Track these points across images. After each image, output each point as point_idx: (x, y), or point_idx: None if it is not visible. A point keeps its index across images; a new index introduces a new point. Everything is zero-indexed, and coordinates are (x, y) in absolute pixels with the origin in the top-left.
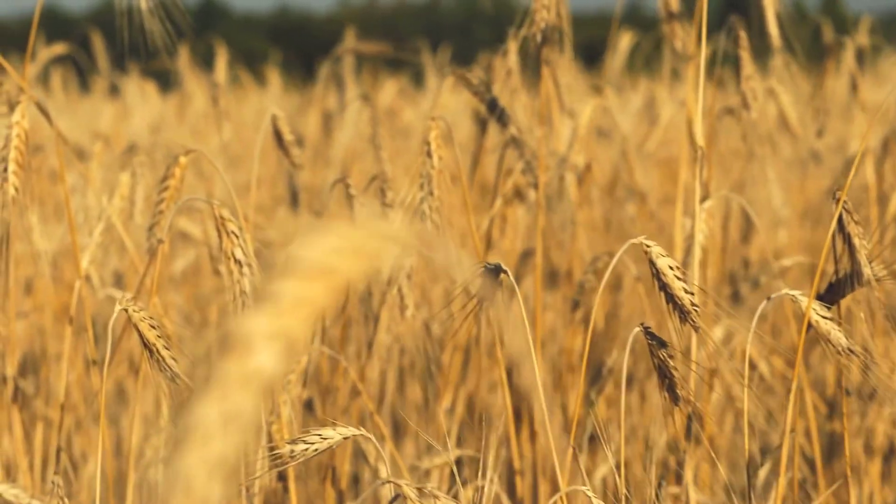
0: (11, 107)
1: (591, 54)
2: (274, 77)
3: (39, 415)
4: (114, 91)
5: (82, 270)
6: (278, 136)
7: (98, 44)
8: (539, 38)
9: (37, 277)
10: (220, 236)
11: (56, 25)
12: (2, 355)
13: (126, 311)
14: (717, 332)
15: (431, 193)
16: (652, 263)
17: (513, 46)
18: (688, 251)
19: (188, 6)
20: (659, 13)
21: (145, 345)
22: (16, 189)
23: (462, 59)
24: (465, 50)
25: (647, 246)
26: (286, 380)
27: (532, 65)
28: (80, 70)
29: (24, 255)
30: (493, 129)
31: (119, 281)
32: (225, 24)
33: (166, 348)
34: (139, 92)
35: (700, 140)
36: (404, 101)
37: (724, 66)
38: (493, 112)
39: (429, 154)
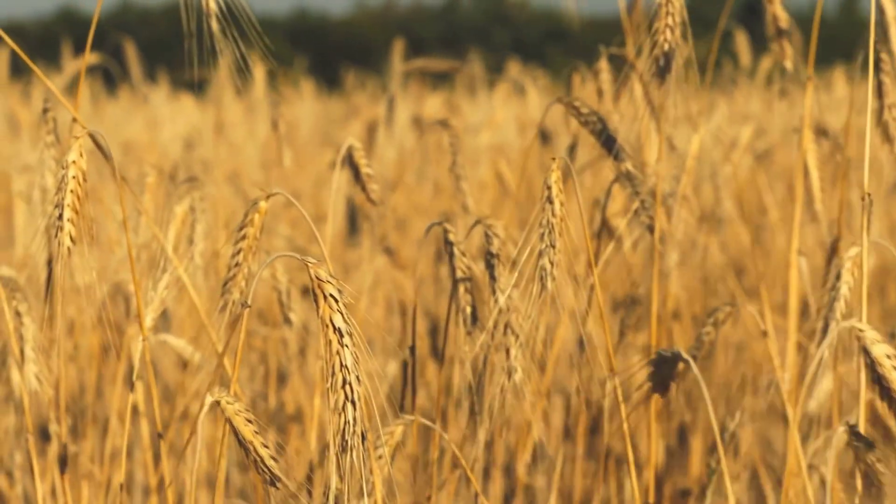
0: (58, 136)
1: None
2: (307, 84)
3: (84, 472)
4: (139, 95)
5: (146, 330)
6: (354, 168)
7: (131, 52)
8: (662, 62)
9: (80, 315)
10: (315, 300)
11: (75, 27)
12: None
13: (218, 403)
14: None
15: (553, 246)
16: (865, 351)
17: (605, 65)
18: (830, 305)
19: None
20: (767, 30)
21: (241, 442)
22: (72, 240)
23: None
24: (483, 53)
25: (860, 330)
26: (377, 454)
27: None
28: (108, 75)
29: (66, 289)
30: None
31: (168, 321)
32: (244, 27)
33: (265, 446)
34: (168, 101)
35: (866, 185)
36: (450, 112)
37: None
38: (605, 145)
39: (549, 200)
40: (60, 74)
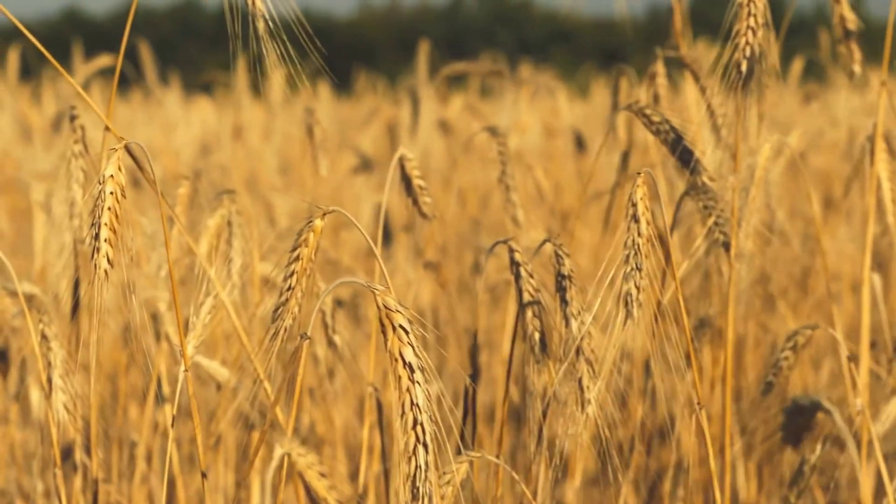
0: (86, 145)
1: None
2: (323, 86)
3: (112, 502)
4: (150, 96)
5: (188, 360)
6: (406, 180)
7: (145, 53)
8: (744, 66)
9: (104, 331)
10: (383, 331)
11: (80, 27)
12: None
13: (288, 456)
14: None
15: (639, 269)
16: None
17: (661, 69)
18: None
19: (209, 10)
20: (834, 32)
21: (313, 500)
22: (109, 262)
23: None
24: (489, 52)
25: None
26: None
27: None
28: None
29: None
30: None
31: (206, 345)
32: (249, 29)
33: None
34: (181, 103)
35: None
36: (472, 114)
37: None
38: (681, 157)
39: (635, 218)
40: (72, 76)
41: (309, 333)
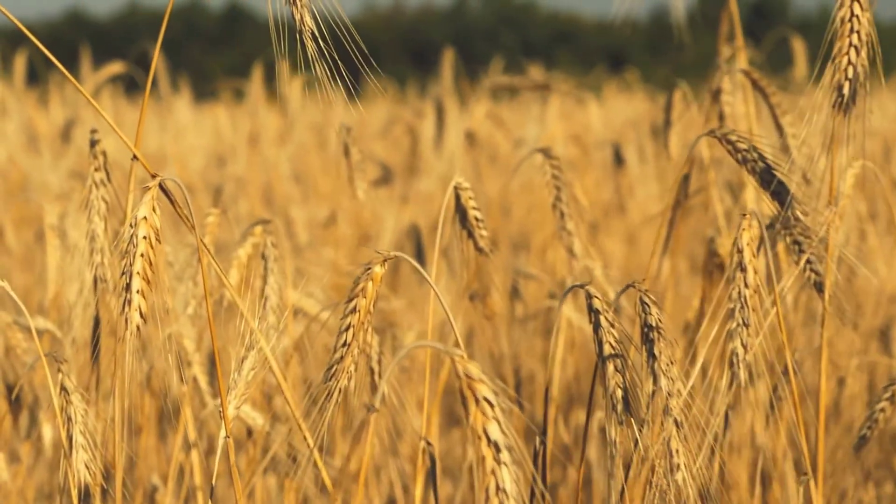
0: (108, 173)
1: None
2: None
3: None
4: (159, 101)
5: (229, 427)
6: (461, 211)
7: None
8: (847, 88)
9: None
10: (465, 403)
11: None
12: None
13: None
14: None
15: (746, 325)
16: None
17: (727, 85)
18: None
19: (212, 12)
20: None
21: None
22: (142, 316)
23: (488, 64)
24: (492, 56)
25: None
26: None
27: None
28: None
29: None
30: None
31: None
32: (252, 31)
33: None
34: (191, 109)
35: None
36: (495, 123)
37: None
38: (770, 189)
39: (741, 267)
40: (80, 82)
41: (377, 406)
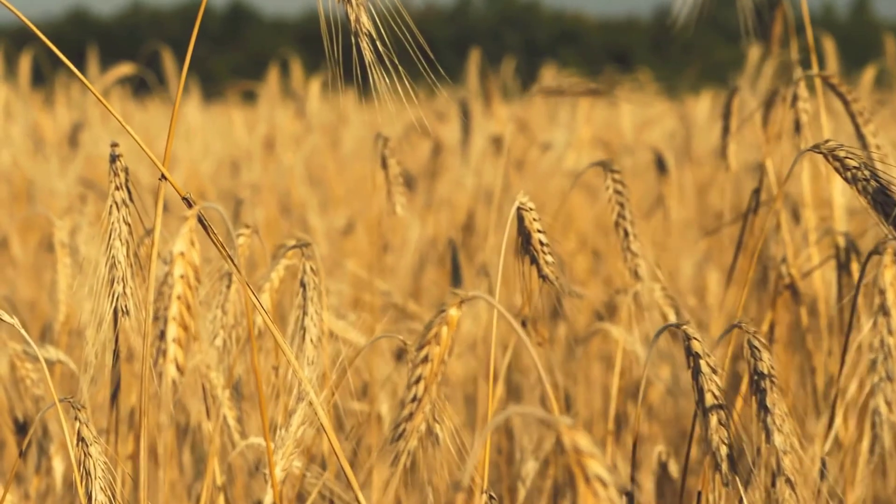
0: (131, 192)
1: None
2: (349, 93)
3: None
4: (168, 102)
5: (277, 493)
6: (525, 234)
7: (168, 60)
8: None
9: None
10: (572, 480)
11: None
12: None
13: None
14: None
15: (890, 378)
16: None
17: (803, 91)
18: None
19: (216, 11)
20: None
21: None
22: (179, 369)
23: (492, 65)
24: (495, 55)
25: None
26: None
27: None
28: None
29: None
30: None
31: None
32: (254, 29)
33: None
34: (201, 111)
35: None
36: (519, 128)
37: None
38: (884, 211)
39: (883, 311)
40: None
41: (466, 486)
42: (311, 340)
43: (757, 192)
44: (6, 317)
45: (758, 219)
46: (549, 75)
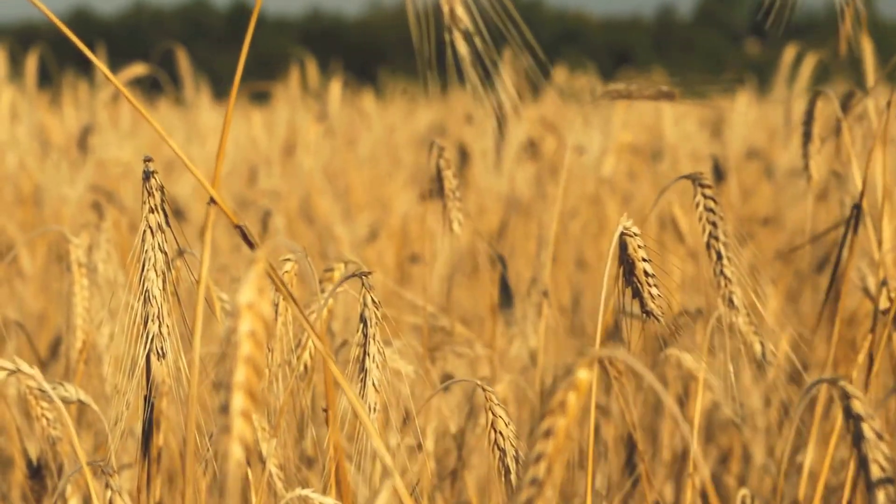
0: (168, 213)
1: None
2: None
3: None
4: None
5: None
6: (628, 262)
7: (183, 62)
8: None
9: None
10: None
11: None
12: None
13: None
14: None
15: None
16: None
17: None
18: None
19: (219, 10)
20: None
21: None
22: (247, 447)
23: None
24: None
25: None
26: None
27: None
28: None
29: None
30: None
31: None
32: (258, 29)
33: None
34: (211, 111)
35: None
36: (545, 129)
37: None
38: None
39: None
40: (95, 83)
41: None
42: (374, 385)
43: (858, 207)
44: (25, 366)
45: (857, 239)
46: (562, 75)
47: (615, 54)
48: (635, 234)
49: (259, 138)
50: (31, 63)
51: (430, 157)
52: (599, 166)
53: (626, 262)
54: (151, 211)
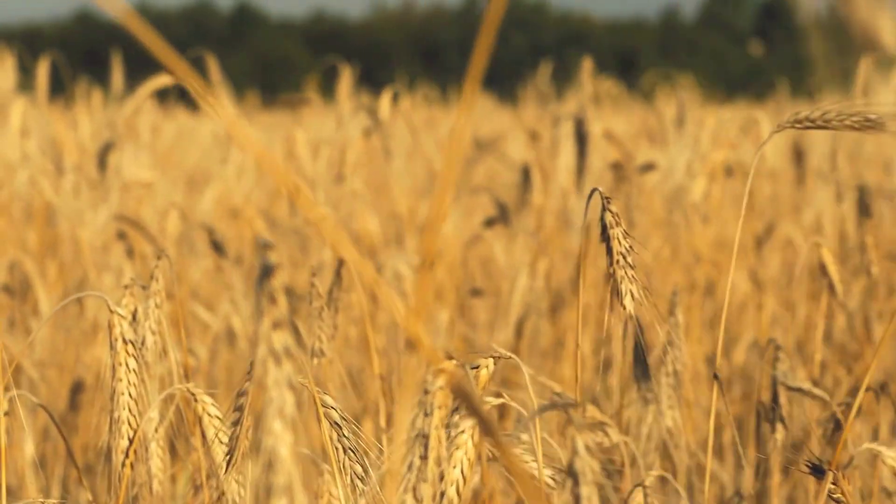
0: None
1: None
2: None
3: None
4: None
5: None
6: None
7: (213, 69)
8: None
9: None
10: None
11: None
12: None
13: None
14: None
15: None
16: None
17: None
18: None
19: (222, 13)
20: None
21: None
22: None
23: (499, 66)
24: (503, 56)
25: None
26: None
27: None
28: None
29: None
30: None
31: None
32: (261, 31)
33: None
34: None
35: None
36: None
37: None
38: None
39: None
40: (110, 91)
41: None
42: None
43: None
44: None
45: None
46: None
47: (620, 57)
48: None
49: (301, 155)
50: (42, 71)
51: (584, 206)
52: (686, 191)
53: None
54: (275, 327)
